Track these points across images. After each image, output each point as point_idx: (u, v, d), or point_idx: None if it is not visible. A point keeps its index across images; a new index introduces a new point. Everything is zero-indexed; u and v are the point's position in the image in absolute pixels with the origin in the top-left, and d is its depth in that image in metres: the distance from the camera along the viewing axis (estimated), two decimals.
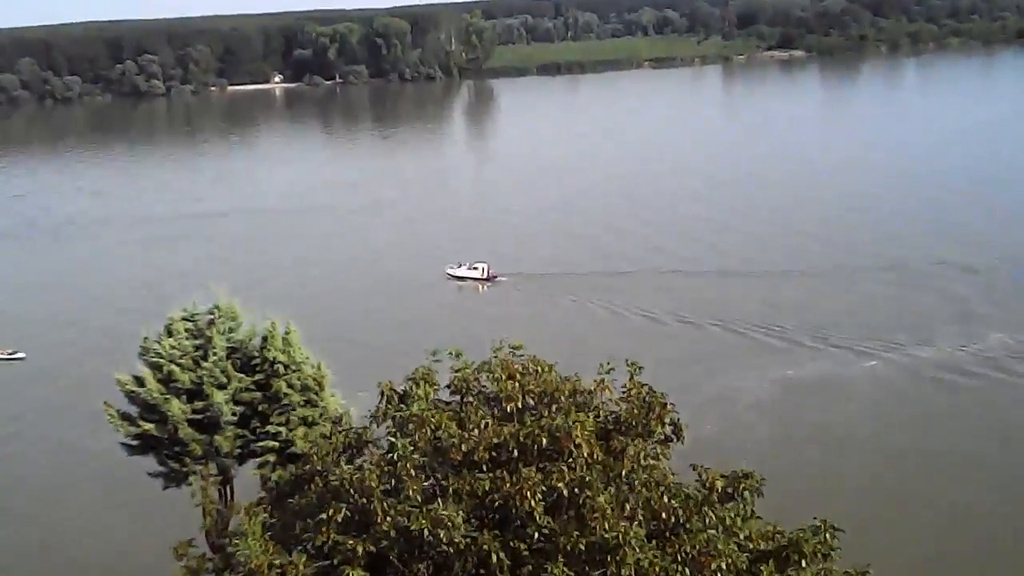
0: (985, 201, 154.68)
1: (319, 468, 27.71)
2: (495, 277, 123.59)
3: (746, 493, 28.12)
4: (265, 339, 34.82)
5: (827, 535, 26.81)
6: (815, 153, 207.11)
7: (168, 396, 34.13)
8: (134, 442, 35.48)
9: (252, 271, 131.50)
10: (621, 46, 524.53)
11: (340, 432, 28.87)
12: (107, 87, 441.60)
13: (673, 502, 26.72)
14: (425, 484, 25.96)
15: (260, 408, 34.79)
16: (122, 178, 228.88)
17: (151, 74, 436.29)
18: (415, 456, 25.78)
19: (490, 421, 26.74)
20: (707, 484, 27.61)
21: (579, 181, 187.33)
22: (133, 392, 34.99)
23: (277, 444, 34.46)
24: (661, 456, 29.00)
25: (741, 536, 26.94)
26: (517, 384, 28.11)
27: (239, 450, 35.43)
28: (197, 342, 34.98)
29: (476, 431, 26.27)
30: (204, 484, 34.84)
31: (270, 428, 34.52)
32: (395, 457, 25.66)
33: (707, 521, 26.53)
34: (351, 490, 25.34)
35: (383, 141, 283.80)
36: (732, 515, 27.24)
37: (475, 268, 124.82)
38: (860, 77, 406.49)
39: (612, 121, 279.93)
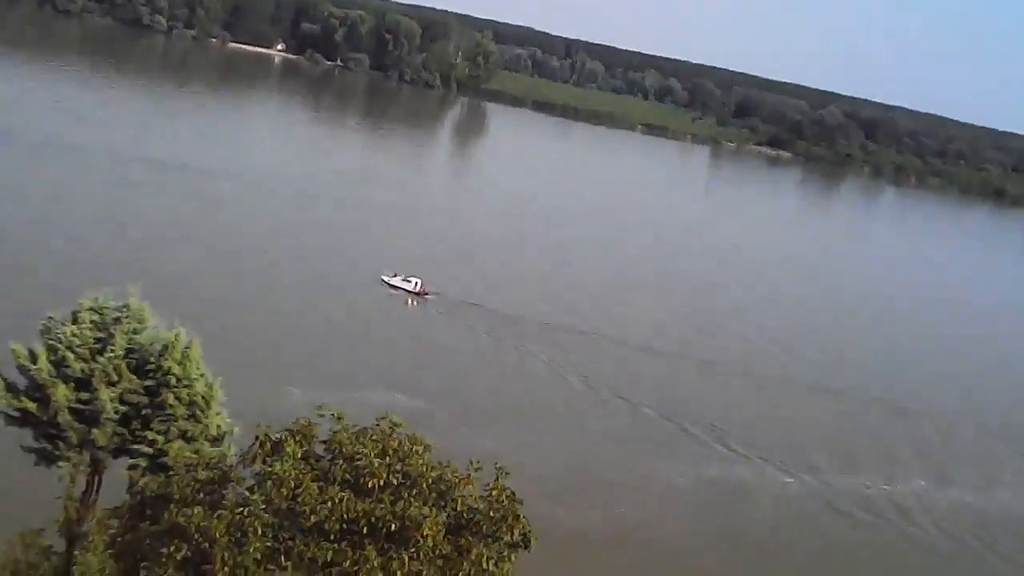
0: (943, 348, 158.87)
1: (176, 497, 28.47)
2: (426, 294, 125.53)
3: None
4: (165, 347, 35.44)
5: None
6: (785, 266, 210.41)
7: (56, 380, 34.66)
8: (15, 414, 35.93)
9: (205, 232, 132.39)
10: (620, 103, 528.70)
11: (204, 467, 29.59)
12: (110, 10, 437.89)
13: None
14: (270, 544, 26.77)
15: (144, 412, 35.38)
16: (104, 108, 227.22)
17: (156, 9, 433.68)
18: (266, 516, 26.59)
19: (347, 496, 27.59)
20: None
21: (542, 227, 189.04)
22: (24, 367, 35.48)
23: (151, 451, 35.05)
24: (507, 560, 30.11)
25: None
26: (385, 463, 29.03)
27: (115, 446, 35.96)
28: (99, 335, 35.55)
29: (331, 503, 27.13)
30: (72, 473, 35.44)
31: (148, 434, 35.10)
32: (246, 512, 26.45)
33: None
34: (197, 534, 26.10)
35: (366, 137, 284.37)
36: None
37: (408, 281, 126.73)
38: (839, 193, 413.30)
39: (593, 177, 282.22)
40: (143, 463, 34.87)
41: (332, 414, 30.45)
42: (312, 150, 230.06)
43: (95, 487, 36.76)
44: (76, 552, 24.38)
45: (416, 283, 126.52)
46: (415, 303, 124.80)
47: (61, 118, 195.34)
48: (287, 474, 27.47)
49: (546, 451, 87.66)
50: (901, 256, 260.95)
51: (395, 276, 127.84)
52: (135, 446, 35.32)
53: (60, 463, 35.73)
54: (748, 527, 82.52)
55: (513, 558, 30.05)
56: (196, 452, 35.33)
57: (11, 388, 35.77)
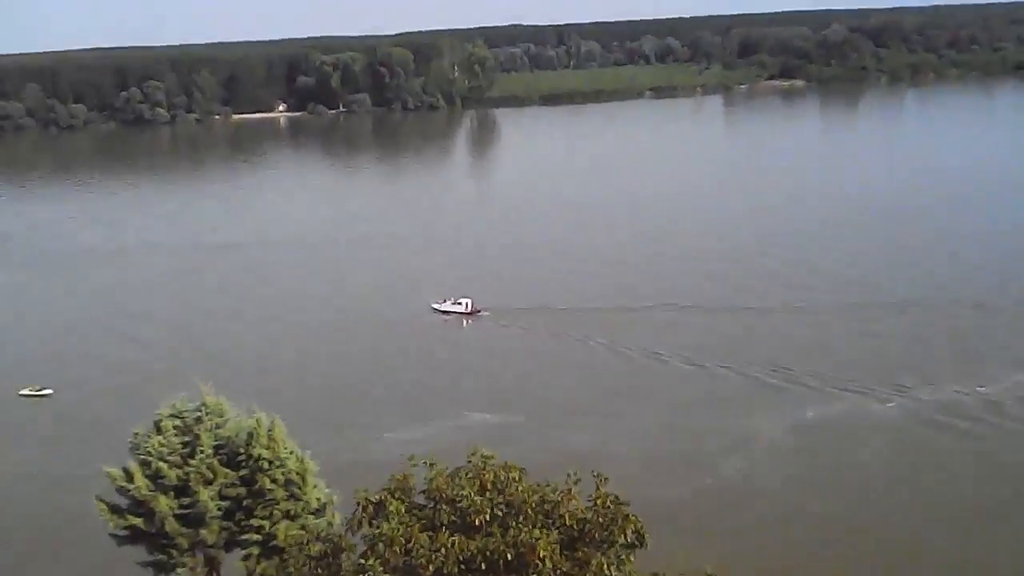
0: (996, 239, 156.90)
1: None
2: (479, 311, 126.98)
3: None
4: (250, 435, 36.21)
5: None
6: (822, 188, 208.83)
7: (156, 492, 35.53)
8: (123, 533, 36.85)
9: (261, 303, 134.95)
10: (623, 75, 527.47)
11: (314, 541, 30.25)
12: (112, 115, 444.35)
13: None
14: None
15: (245, 502, 36.16)
16: (131, 208, 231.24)
17: (155, 102, 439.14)
18: (385, 575, 27.18)
19: (458, 539, 28.06)
20: None
21: (573, 217, 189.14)
22: (123, 487, 36.38)
23: (260, 537, 35.81)
24: (626, 561, 30.48)
25: None
26: (486, 498, 29.49)
27: (224, 541, 36.76)
28: (185, 439, 36.40)
29: (443, 550, 27.60)
30: None
31: (254, 521, 35.89)
32: None
33: None
34: None
35: (383, 174, 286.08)
36: None
37: (459, 303, 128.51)
38: (860, 108, 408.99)
39: (611, 155, 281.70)
40: (255, 551, 35.65)
41: (424, 462, 30.96)
42: (333, 202, 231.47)
43: None
44: None
45: (467, 303, 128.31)
46: (470, 322, 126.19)
47: (92, 228, 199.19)
48: (395, 532, 27.98)
49: (640, 433, 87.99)
50: (933, 153, 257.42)
51: (445, 302, 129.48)
52: (244, 536, 36.10)
53: (178, 570, 36.57)
54: (859, 464, 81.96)
55: (632, 558, 30.46)
56: (303, 528, 36.02)
57: (115, 510, 36.70)
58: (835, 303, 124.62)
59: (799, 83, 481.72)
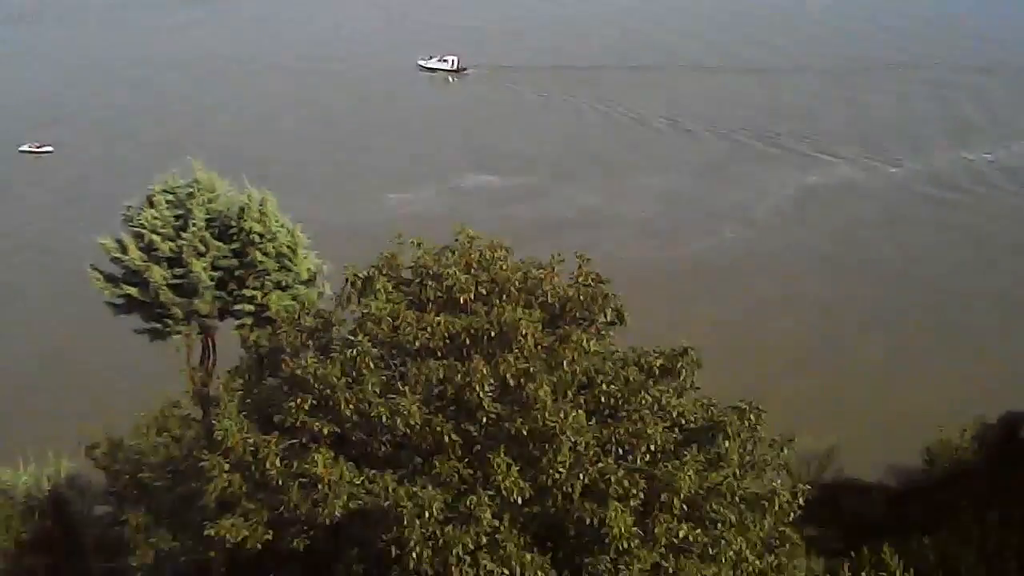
0: None
1: (287, 350, 30.34)
2: (464, 69, 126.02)
3: (683, 370, 31.03)
4: (242, 210, 36.92)
5: (751, 416, 29.48)
6: None
7: (150, 264, 36.44)
8: (119, 302, 37.97)
9: (251, 57, 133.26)
10: None
11: (306, 315, 31.29)
12: None
13: (612, 386, 29.32)
14: (384, 373, 28.55)
15: (237, 273, 37.19)
16: None
17: None
18: (374, 351, 28.26)
19: (443, 318, 29.03)
20: (645, 367, 30.49)
21: None
22: (117, 258, 37.28)
23: (253, 307, 36.99)
24: (606, 336, 31.69)
25: (674, 414, 29.59)
26: (471, 276, 30.34)
27: (218, 311, 37.99)
28: (177, 212, 37.08)
29: (429, 328, 28.61)
30: (187, 343, 37.70)
31: (246, 292, 37.03)
32: (355, 353, 28.12)
33: (642, 403, 29.25)
34: (315, 383, 27.91)
35: None
36: (667, 394, 30.04)
37: (445, 60, 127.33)
38: None
39: None
40: (249, 321, 36.85)
41: (412, 241, 31.66)
42: None
43: (211, 351, 39.04)
44: (213, 420, 26.26)
45: (453, 60, 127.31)
46: (455, 80, 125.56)
47: None
48: (382, 310, 28.93)
49: (644, 193, 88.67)
50: None
51: (431, 58, 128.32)
52: (237, 307, 37.25)
53: (172, 337, 37.90)
54: (861, 225, 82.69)
55: (612, 334, 31.65)
56: (294, 298, 37.23)
57: (110, 279, 37.73)
58: (828, 65, 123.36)
59: None
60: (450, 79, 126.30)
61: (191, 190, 37.29)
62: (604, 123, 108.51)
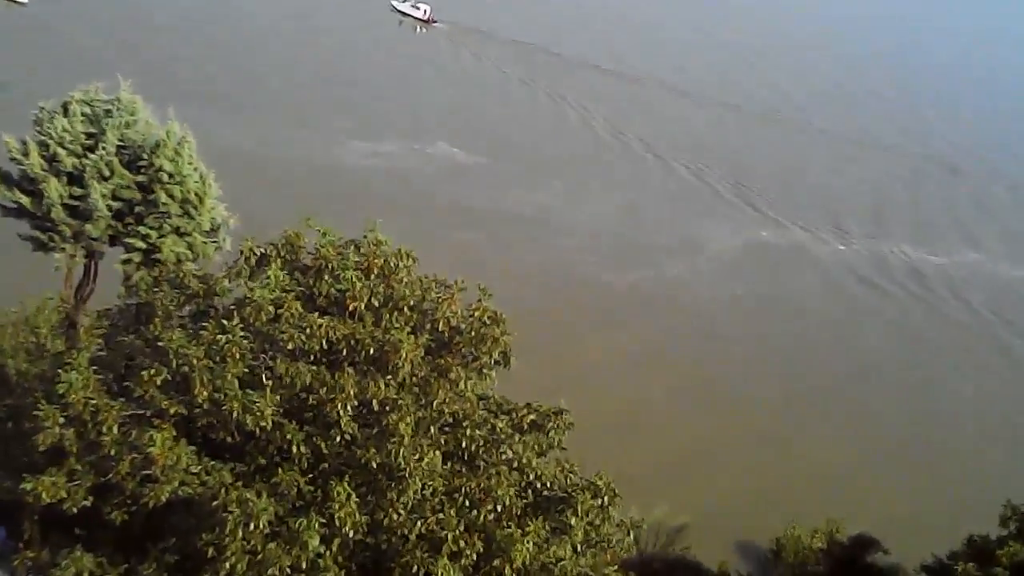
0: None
1: (160, 313, 29.01)
2: (434, 21, 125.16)
3: (552, 432, 30.38)
4: (158, 144, 35.29)
5: (605, 497, 28.88)
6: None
7: (48, 176, 34.76)
8: (11, 206, 36.25)
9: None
10: None
11: (191, 276, 29.90)
12: None
13: (477, 432, 28.51)
14: (250, 364, 27.40)
15: (137, 208, 35.64)
16: None
17: None
18: (244, 342, 27.06)
19: (326, 322, 27.89)
20: (515, 420, 29.78)
21: None
22: (16, 160, 35.52)
23: (145, 245, 35.49)
24: (487, 377, 30.76)
25: (531, 476, 28.88)
26: (367, 283, 29.19)
27: (109, 237, 36.46)
28: (90, 129, 35.36)
29: (309, 329, 27.46)
30: (69, 263, 36.14)
31: (141, 229, 35.48)
32: (224, 340, 26.89)
33: (501, 457, 28.52)
34: (175, 359, 26.66)
35: None
36: (530, 450, 29.35)
37: (417, 8, 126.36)
38: None
39: None
40: (137, 258, 35.37)
41: (319, 229, 30.42)
42: None
43: (92, 276, 37.48)
44: (61, 369, 24.96)
45: (425, 10, 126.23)
46: (424, 30, 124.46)
47: None
48: (265, 300, 27.69)
49: (599, 204, 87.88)
50: None
51: (405, 2, 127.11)
52: (128, 240, 35.74)
53: (56, 253, 36.29)
54: (792, 293, 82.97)
55: (493, 375, 30.73)
56: (190, 247, 35.81)
57: (5, 179, 35.96)
58: (816, 124, 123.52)
59: None
60: (418, 28, 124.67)
61: (110, 108, 35.51)
62: (577, 123, 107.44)
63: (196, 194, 35.76)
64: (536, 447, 30.10)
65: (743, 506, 53.44)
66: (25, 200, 35.31)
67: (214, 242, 36.95)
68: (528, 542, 26.32)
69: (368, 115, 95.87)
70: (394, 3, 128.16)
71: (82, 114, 35.46)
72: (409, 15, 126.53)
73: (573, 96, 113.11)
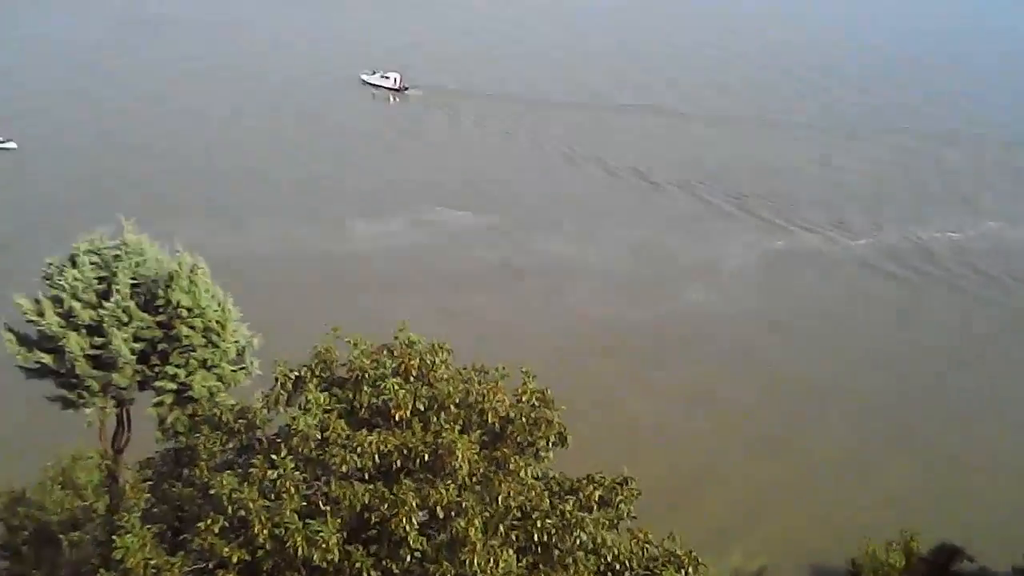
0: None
1: (204, 457, 28.25)
2: (406, 88, 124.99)
3: (621, 504, 29.44)
4: (171, 277, 34.65)
5: (688, 569, 27.87)
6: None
7: (67, 331, 34.10)
8: (33, 367, 35.59)
9: (197, 69, 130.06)
10: None
11: (229, 413, 29.10)
12: None
13: (548, 521, 27.58)
14: (306, 494, 26.59)
15: (160, 347, 34.93)
16: None
17: None
18: (296, 474, 26.29)
19: (375, 437, 27.08)
20: (583, 499, 28.82)
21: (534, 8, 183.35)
22: (33, 321, 34.89)
23: (175, 385, 34.77)
24: (545, 458, 29.92)
25: (608, 557, 27.94)
26: (409, 389, 28.42)
27: (137, 383, 35.76)
28: (102, 274, 34.77)
29: (360, 447, 26.67)
30: (100, 417, 35.44)
31: (169, 369, 34.75)
32: (276, 476, 26.12)
33: (576, 542, 27.58)
34: (230, 505, 25.87)
35: None
36: (602, 527, 28.41)
37: (387, 77, 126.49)
38: None
39: None
40: (169, 399, 34.66)
41: (348, 340, 29.73)
42: None
43: (126, 426, 36.79)
44: (115, 536, 24.16)
45: (395, 78, 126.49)
46: (397, 99, 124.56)
47: None
48: (310, 427, 26.94)
49: (608, 243, 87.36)
50: None
51: (374, 74, 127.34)
52: (158, 383, 35.01)
53: (87, 409, 35.60)
54: (826, 303, 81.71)
55: (551, 456, 29.92)
56: (219, 379, 35.13)
57: (24, 341, 35.34)
58: (799, 121, 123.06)
59: None
60: (392, 98, 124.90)
61: (117, 252, 34.94)
62: (567, 164, 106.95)
63: (217, 321, 35.09)
64: (606, 522, 29.18)
65: (816, 535, 52.20)
66: (47, 359, 34.65)
67: (242, 368, 36.17)
68: None
69: (364, 194, 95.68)
70: (364, 77, 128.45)
71: (91, 263, 34.89)
72: (381, 86, 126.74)
73: (555, 138, 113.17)
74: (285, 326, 59.87)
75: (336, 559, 25.63)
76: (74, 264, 34.91)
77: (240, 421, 29.17)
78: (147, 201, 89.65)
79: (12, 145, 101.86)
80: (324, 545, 25.32)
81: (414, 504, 25.93)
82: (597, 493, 29.24)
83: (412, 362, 29.45)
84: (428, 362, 29.84)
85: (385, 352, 30.00)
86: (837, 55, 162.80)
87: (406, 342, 30.09)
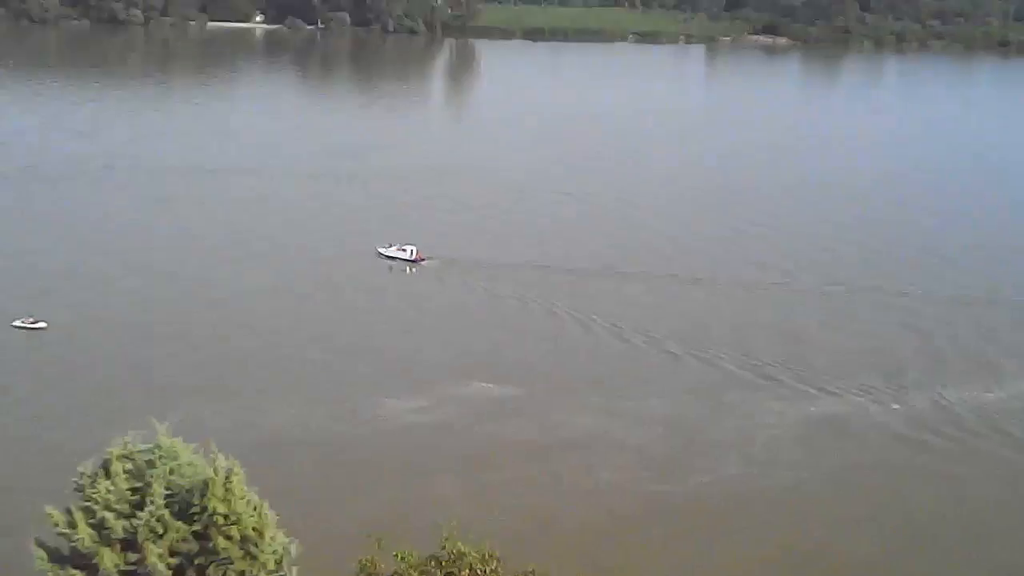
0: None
1: None
2: (423, 260, 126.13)
3: None
4: (206, 485, 33.42)
5: None
6: (802, 159, 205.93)
7: (100, 546, 32.73)
8: None
9: (218, 241, 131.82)
10: (607, 16, 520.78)
11: None
12: (85, 12, 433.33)
13: None
14: None
15: (196, 560, 33.48)
16: (108, 116, 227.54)
17: (131, 2, 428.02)
18: None
19: None
20: None
21: (542, 166, 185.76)
22: (65, 534, 33.54)
23: None
24: None
25: None
26: None
27: None
28: (135, 484, 33.55)
29: None
30: None
31: None
32: None
33: None
34: None
35: (356, 102, 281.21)
36: None
37: (404, 250, 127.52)
38: (843, 75, 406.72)
39: (590, 100, 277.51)
40: None
41: (395, 554, 28.67)
42: (301, 129, 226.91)
43: None
44: None
45: (412, 250, 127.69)
46: (414, 270, 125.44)
47: (79, 142, 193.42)
48: None
49: (636, 415, 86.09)
50: (911, 129, 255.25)
51: (391, 246, 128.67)
52: None
53: None
54: (863, 468, 79.92)
55: None
56: None
57: (55, 558, 33.84)
58: (814, 284, 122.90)
59: (782, 41, 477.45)
60: (409, 269, 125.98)
61: (151, 457, 33.79)
62: (582, 332, 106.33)
63: (254, 528, 33.68)
64: None
65: None
66: (80, 575, 33.18)
67: None
68: None
69: (390, 370, 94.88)
70: (380, 250, 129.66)
71: (124, 471, 33.67)
72: (397, 258, 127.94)
73: (569, 306, 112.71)
74: (319, 523, 58.93)
75: None
76: (107, 473, 33.71)
77: None
78: (168, 384, 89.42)
79: (42, 325, 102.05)
80: None
81: None
82: None
83: (463, 574, 28.33)
84: (479, 570, 28.72)
85: (433, 563, 28.88)
86: (838, 209, 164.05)
87: (455, 552, 29.03)
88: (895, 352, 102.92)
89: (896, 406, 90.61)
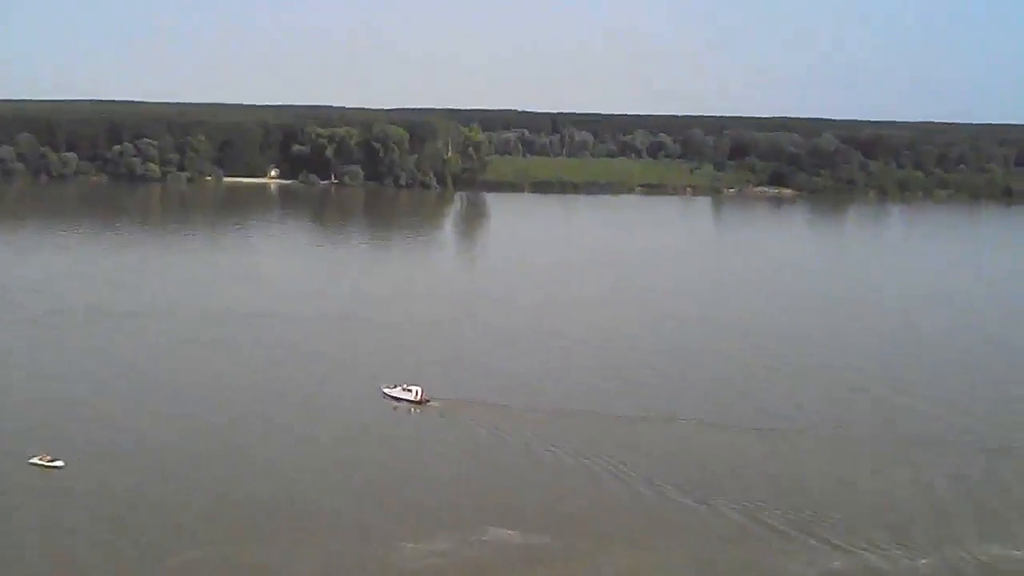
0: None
1: None
2: (427, 401, 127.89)
3: None
4: None
5: None
6: (808, 312, 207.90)
7: None
8: None
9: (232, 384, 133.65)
10: (615, 167, 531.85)
11: None
12: (103, 167, 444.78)
13: None
14: None
15: None
16: (131, 263, 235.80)
17: (148, 157, 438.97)
18: None
19: None
20: None
21: (550, 316, 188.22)
22: None
23: None
24: None
25: None
26: None
27: None
28: None
29: None
30: None
31: None
32: None
33: None
34: None
35: (369, 253, 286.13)
36: None
37: (409, 390, 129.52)
38: (848, 226, 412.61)
39: (599, 252, 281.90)
40: None
41: None
42: (315, 277, 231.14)
43: None
44: None
45: (417, 391, 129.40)
46: (418, 410, 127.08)
47: (103, 289, 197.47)
48: None
49: (668, 571, 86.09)
50: (917, 279, 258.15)
51: (396, 387, 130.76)
52: None
53: None
54: None
55: None
56: None
57: None
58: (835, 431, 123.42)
59: (787, 191, 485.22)
60: (412, 410, 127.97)
61: None
62: (598, 477, 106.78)
63: None
64: None
65: None
66: None
67: None
68: None
69: (406, 516, 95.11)
70: (385, 390, 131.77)
71: None
72: (402, 399, 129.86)
73: (579, 450, 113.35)
74: None
75: None
76: None
77: None
78: (182, 525, 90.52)
79: (60, 463, 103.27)
80: None
81: None
82: None
83: None
84: None
85: None
86: (862, 353, 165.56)
87: None
88: (924, 504, 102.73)
89: (924, 560, 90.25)
